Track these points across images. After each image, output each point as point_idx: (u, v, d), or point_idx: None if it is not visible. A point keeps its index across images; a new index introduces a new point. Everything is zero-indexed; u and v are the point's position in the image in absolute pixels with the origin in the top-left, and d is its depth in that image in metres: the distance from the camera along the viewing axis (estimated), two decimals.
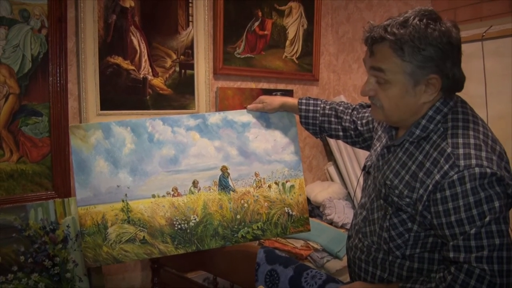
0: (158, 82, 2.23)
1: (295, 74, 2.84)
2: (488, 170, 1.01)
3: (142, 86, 2.18)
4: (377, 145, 1.34)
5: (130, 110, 2.10)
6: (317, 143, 3.00)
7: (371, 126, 1.47)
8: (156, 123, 1.56)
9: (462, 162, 1.02)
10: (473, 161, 1.02)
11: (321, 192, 2.76)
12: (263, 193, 1.61)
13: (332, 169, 2.97)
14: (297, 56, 2.83)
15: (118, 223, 1.47)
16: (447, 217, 1.04)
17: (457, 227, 1.03)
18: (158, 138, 1.55)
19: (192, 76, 2.36)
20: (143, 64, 2.17)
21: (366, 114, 1.50)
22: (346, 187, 2.85)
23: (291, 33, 2.78)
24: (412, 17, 1.07)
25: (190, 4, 2.32)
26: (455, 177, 1.02)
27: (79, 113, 2.00)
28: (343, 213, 2.73)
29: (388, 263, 1.18)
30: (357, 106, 1.56)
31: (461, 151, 1.04)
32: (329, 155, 3.03)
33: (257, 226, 1.57)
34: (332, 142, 2.88)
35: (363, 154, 2.83)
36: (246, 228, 1.55)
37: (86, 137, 1.48)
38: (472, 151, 1.03)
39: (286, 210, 1.61)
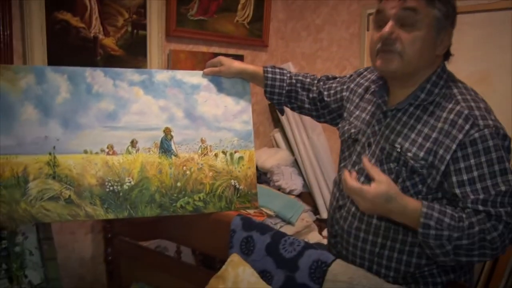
0: (109, 42, 2.08)
1: (246, 39, 2.79)
2: (501, 131, 1.12)
3: (93, 46, 2.01)
4: (358, 113, 1.36)
5: None
6: (264, 109, 3.01)
7: (338, 96, 1.48)
8: (96, 74, 1.41)
9: (481, 122, 1.10)
10: (490, 122, 1.11)
11: (268, 158, 2.79)
12: (209, 162, 1.48)
13: (278, 136, 3.00)
14: (248, 21, 2.77)
15: (42, 177, 1.31)
16: (468, 174, 1.10)
17: (478, 182, 1.09)
18: (97, 90, 1.40)
19: (145, 37, 2.23)
20: (93, 22, 1.99)
21: (334, 85, 1.51)
22: (293, 154, 2.91)
23: None
24: None
25: None
26: (477, 135, 1.09)
27: None
28: (290, 179, 2.79)
29: (393, 230, 1.20)
30: (323, 78, 1.56)
31: (477, 112, 1.12)
32: (276, 122, 3.06)
33: (199, 197, 1.46)
34: None
35: (309, 121, 2.88)
36: (186, 198, 1.44)
37: (15, 80, 1.32)
38: (486, 114, 1.13)
39: (233, 183, 1.50)
